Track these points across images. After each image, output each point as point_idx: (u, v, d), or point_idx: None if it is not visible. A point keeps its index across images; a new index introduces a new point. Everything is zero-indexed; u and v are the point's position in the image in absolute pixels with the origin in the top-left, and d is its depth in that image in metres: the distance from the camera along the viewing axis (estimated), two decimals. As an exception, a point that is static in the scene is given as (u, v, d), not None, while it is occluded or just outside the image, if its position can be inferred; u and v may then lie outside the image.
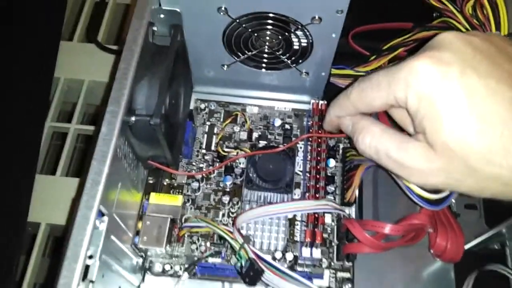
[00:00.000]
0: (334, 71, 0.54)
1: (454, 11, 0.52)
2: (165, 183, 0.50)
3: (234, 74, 0.52)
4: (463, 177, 0.31)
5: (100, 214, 0.35)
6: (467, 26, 0.49)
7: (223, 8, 0.42)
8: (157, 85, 0.39)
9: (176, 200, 0.45)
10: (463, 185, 0.32)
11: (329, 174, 0.50)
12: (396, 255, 0.47)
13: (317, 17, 0.42)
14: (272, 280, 0.38)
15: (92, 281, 0.33)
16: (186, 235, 0.47)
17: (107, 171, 0.34)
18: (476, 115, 0.29)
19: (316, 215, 0.46)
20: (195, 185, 0.50)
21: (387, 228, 0.41)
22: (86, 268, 0.33)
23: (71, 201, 0.52)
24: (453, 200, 0.49)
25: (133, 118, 0.38)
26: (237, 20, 0.44)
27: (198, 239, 0.47)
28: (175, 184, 0.51)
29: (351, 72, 0.55)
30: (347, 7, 0.41)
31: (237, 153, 0.52)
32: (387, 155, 0.35)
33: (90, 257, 0.34)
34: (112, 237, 0.38)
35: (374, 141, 0.36)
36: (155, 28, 0.43)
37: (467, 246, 0.45)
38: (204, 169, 0.51)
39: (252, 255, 0.39)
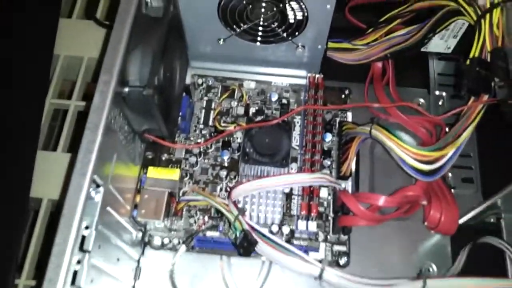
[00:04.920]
0: (331, 44, 0.54)
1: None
2: (163, 158, 0.51)
3: (230, 48, 0.52)
4: None
5: (96, 185, 0.35)
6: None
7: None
8: (150, 56, 0.40)
9: (174, 173, 0.45)
10: None
11: (325, 148, 0.51)
12: (393, 228, 0.47)
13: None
14: (266, 251, 0.38)
15: (88, 251, 0.34)
16: (184, 209, 0.48)
17: (100, 140, 0.34)
18: None
19: (311, 188, 0.46)
20: (192, 159, 0.50)
21: (381, 200, 0.42)
22: (83, 238, 0.34)
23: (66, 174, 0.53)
24: (450, 173, 0.49)
25: (126, 89, 0.39)
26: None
27: (196, 213, 0.48)
28: (173, 159, 0.51)
29: (348, 46, 0.55)
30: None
31: (234, 127, 0.52)
32: None
33: (86, 227, 0.34)
34: (109, 209, 0.38)
35: None
36: (148, 0, 0.43)
37: (463, 219, 0.45)
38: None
39: (246, 227, 0.39)
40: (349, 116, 0.53)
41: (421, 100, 0.55)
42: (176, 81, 0.48)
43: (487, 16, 0.44)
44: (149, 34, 0.40)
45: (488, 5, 0.45)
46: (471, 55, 0.44)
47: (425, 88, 0.56)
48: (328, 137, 0.51)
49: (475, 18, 0.45)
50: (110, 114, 0.36)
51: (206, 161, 0.51)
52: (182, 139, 0.52)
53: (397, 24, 0.54)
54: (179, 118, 0.50)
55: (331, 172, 0.50)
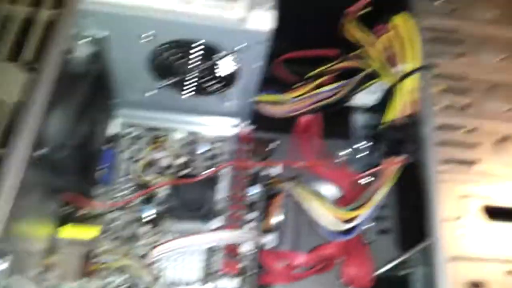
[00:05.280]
0: (260, 97, 0.54)
1: (367, 43, 0.53)
2: (82, 213, 0.48)
3: (160, 98, 0.52)
4: None
5: (1, 255, 0.33)
6: (379, 58, 0.51)
7: (148, 35, 0.42)
8: (70, 116, 0.38)
9: (90, 232, 0.44)
10: None
11: (249, 202, 0.51)
12: (311, 283, 0.47)
13: (242, 46, 0.43)
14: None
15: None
16: (100, 269, 0.45)
17: (8, 210, 0.32)
18: None
19: (233, 245, 0.46)
20: (113, 214, 0.49)
21: (298, 259, 0.42)
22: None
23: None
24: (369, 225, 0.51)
25: (41, 151, 0.37)
26: (162, 47, 0.43)
27: (112, 273, 0.46)
28: (93, 214, 0.49)
29: (278, 98, 0.56)
30: (271, 37, 0.41)
31: (160, 180, 0.51)
32: None
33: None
34: (16, 277, 0.36)
35: None
36: (79, 50, 0.42)
37: (378, 272, 0.46)
38: (125, 197, 0.50)
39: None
40: (276, 169, 0.54)
41: (343, 152, 0.57)
42: (97, 135, 0.47)
43: (404, 81, 0.47)
44: (69, 93, 0.39)
45: (404, 72, 0.48)
46: (386, 119, 0.46)
47: (348, 140, 0.58)
48: (254, 189, 0.51)
49: (392, 82, 0.48)
50: (23, 179, 0.34)
51: (127, 215, 0.49)
52: (104, 192, 0.50)
53: (324, 80, 0.56)
54: (102, 170, 0.49)
55: (256, 225, 0.50)
